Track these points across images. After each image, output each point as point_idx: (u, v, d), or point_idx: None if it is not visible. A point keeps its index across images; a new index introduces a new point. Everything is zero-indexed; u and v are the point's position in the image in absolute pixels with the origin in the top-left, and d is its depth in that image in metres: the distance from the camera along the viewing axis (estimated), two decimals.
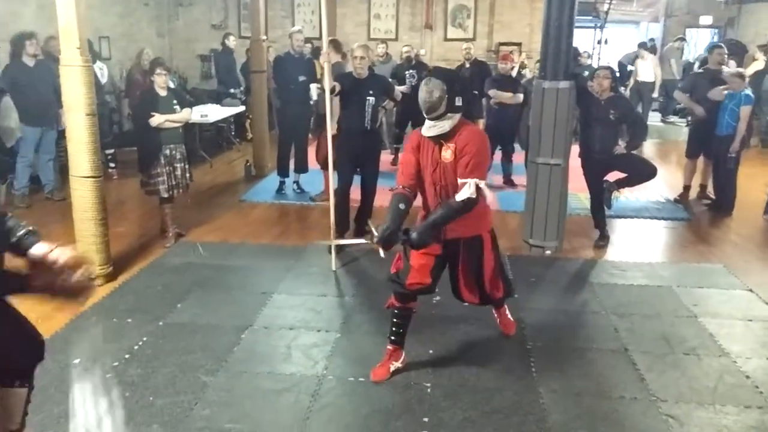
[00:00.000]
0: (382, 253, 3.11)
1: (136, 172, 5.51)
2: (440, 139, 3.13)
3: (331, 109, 4.79)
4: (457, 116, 3.11)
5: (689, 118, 7.26)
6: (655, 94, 10.69)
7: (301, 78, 6.63)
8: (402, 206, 3.13)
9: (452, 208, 3.07)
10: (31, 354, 2.25)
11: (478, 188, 3.02)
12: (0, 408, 2.19)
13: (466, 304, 3.50)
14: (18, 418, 2.25)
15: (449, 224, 3.16)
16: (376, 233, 3.08)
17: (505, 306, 3.77)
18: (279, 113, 7.05)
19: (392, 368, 3.38)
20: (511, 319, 3.80)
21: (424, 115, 3.13)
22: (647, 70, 10.62)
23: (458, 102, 3.07)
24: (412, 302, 3.35)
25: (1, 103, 6.16)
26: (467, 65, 8.25)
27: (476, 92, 7.81)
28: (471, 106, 7.99)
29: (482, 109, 8.06)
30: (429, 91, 3.06)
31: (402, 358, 3.43)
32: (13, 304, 2.14)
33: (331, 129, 4.82)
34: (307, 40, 11.01)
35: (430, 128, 3.13)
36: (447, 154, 3.11)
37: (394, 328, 3.39)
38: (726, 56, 6.80)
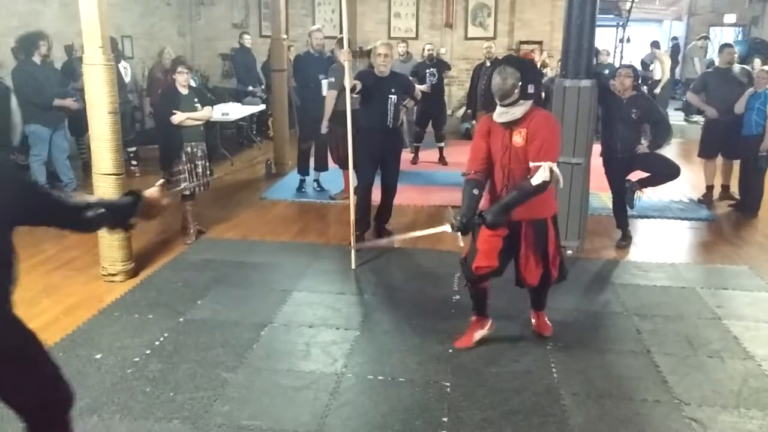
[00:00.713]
0: (461, 241, 3.26)
1: (158, 170, 5.57)
2: (511, 125, 3.22)
3: (351, 108, 4.78)
4: (529, 103, 3.21)
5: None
6: (657, 90, 10.59)
7: (321, 76, 6.64)
8: (476, 191, 3.29)
9: (526, 191, 3.17)
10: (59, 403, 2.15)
11: (551, 171, 3.10)
12: None
13: (525, 287, 3.55)
14: None
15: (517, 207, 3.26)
16: (454, 221, 3.19)
17: (546, 311, 3.79)
18: (299, 112, 7.08)
19: (477, 337, 3.59)
20: (549, 323, 3.79)
21: (497, 102, 3.24)
22: (657, 69, 10.62)
23: (530, 89, 3.17)
24: (483, 282, 3.48)
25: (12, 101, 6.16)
26: (488, 64, 8.20)
27: None
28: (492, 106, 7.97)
29: None
30: (503, 78, 3.17)
31: (488, 325, 3.63)
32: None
33: (350, 128, 4.81)
34: (328, 38, 11.08)
35: (501, 114, 3.23)
36: (518, 138, 3.20)
37: (473, 301, 3.58)
38: (736, 56, 6.76)
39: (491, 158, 3.35)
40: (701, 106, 6.93)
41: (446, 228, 3.24)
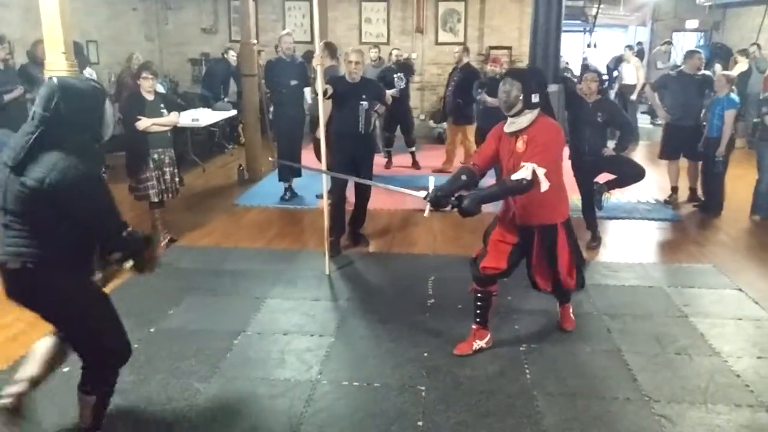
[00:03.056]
0: (427, 211, 3.33)
1: (125, 177, 5.49)
2: (517, 133, 3.32)
3: (324, 113, 4.78)
4: (535, 112, 3.30)
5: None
6: (633, 97, 10.62)
7: (294, 82, 6.62)
8: (464, 177, 3.42)
9: (505, 185, 3.30)
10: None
11: (534, 173, 3.15)
12: (79, 407, 2.74)
13: (541, 291, 3.69)
14: (87, 420, 2.74)
15: (523, 212, 3.38)
16: (430, 191, 3.27)
17: (570, 304, 3.90)
18: (273, 118, 7.01)
19: (476, 346, 3.61)
20: (573, 317, 3.92)
21: (505, 113, 3.34)
22: (630, 73, 10.65)
23: (534, 99, 3.26)
24: (490, 285, 3.55)
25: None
26: (458, 69, 8.22)
27: (460, 101, 7.80)
28: (458, 113, 7.99)
29: (470, 116, 8.03)
30: (506, 91, 3.28)
31: (487, 338, 3.65)
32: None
33: (323, 132, 4.81)
34: (298, 44, 11.01)
35: (509, 125, 3.36)
36: (520, 144, 3.30)
37: (477, 310, 3.62)
38: (703, 63, 6.90)
39: (497, 160, 3.48)
40: (655, 105, 7.21)
41: (422, 194, 3.33)
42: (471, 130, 8.08)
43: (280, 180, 6.96)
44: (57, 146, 2.33)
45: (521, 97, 3.23)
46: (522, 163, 3.20)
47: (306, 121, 6.98)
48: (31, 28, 7.36)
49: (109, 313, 2.67)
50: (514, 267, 3.53)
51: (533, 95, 3.24)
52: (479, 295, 3.59)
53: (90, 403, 2.68)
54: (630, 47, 11.26)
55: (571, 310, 3.93)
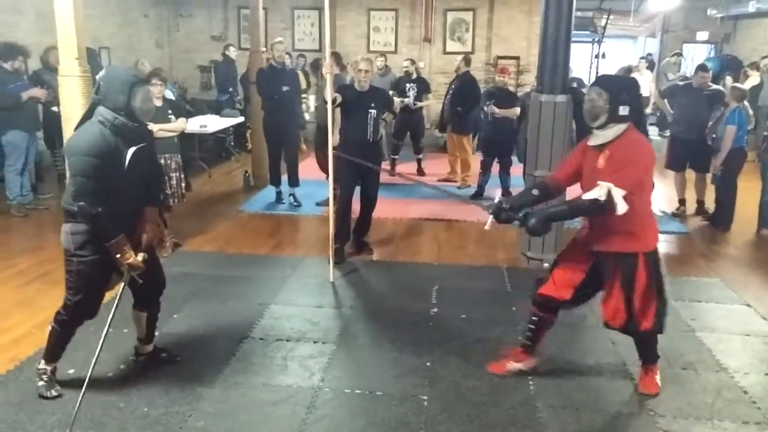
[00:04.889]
0: (488, 224, 3.11)
1: None
2: (601, 147, 3.04)
3: (333, 121, 4.79)
4: (623, 126, 2.98)
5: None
6: (649, 110, 10.58)
7: (285, 88, 6.66)
8: (535, 192, 3.20)
9: (576, 204, 3.03)
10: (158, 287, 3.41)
11: (610, 194, 2.85)
12: (134, 322, 3.47)
13: (610, 328, 3.24)
14: (142, 332, 3.47)
15: (600, 236, 3.07)
16: (496, 203, 3.11)
17: (657, 366, 3.37)
18: (265, 124, 7.06)
19: (509, 367, 3.44)
20: (658, 382, 3.36)
21: (589, 124, 3.07)
22: (643, 85, 10.58)
23: (623, 111, 2.95)
24: (547, 312, 3.30)
25: None
26: (457, 78, 8.21)
27: (459, 109, 7.80)
28: (455, 122, 7.96)
29: (466, 126, 8.04)
30: (590, 99, 3.02)
31: (526, 361, 3.44)
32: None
33: (332, 140, 4.81)
34: (307, 52, 11.11)
35: (593, 138, 3.08)
36: (601, 160, 3.01)
37: (527, 332, 3.42)
38: (709, 79, 6.88)
39: (579, 176, 3.17)
40: (664, 109, 7.45)
41: (485, 204, 3.17)
42: (468, 140, 8.09)
43: (272, 184, 7.04)
44: (94, 120, 2.92)
45: (607, 108, 2.94)
46: (598, 182, 2.90)
47: (306, 128, 7.02)
48: (45, 33, 7.43)
49: (86, 277, 3.03)
50: (584, 299, 3.23)
51: (621, 107, 2.93)
52: (533, 317, 3.35)
53: (50, 331, 3.17)
54: (644, 58, 11.25)
55: (657, 376, 3.35)
